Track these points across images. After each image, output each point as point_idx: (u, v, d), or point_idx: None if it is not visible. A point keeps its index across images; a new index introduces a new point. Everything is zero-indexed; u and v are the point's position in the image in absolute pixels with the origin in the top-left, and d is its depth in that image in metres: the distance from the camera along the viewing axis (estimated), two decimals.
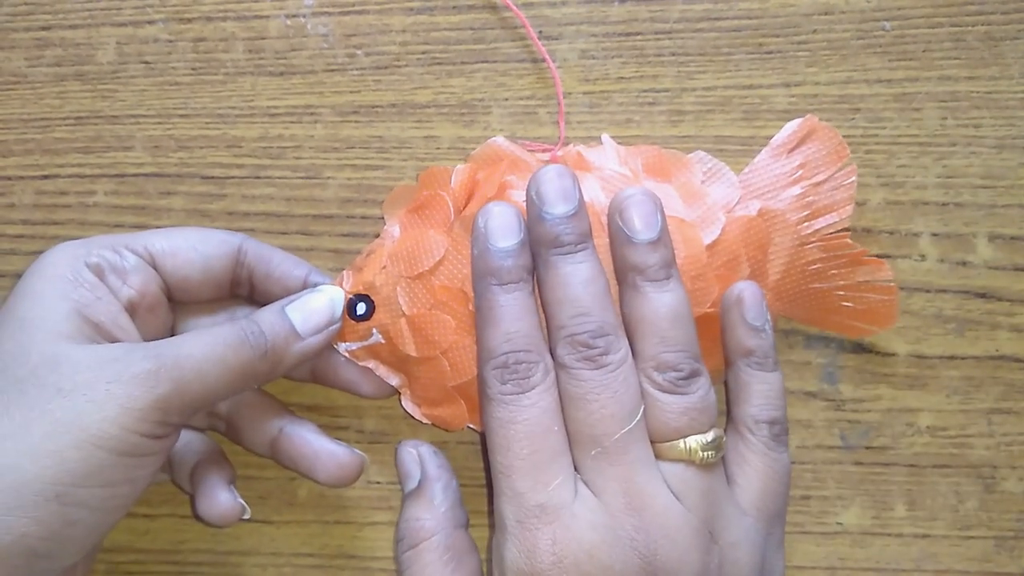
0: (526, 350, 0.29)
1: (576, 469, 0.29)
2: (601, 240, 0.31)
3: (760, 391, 0.31)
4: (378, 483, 0.35)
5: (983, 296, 0.34)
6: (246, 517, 0.32)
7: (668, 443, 0.29)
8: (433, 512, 0.31)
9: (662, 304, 0.29)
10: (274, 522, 0.35)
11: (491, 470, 0.29)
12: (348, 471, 0.32)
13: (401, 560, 0.31)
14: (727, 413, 0.32)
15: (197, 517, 0.32)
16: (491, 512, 0.34)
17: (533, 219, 0.30)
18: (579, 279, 0.29)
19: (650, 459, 0.29)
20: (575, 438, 0.29)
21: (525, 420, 0.28)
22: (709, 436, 0.29)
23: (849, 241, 0.32)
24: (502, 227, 0.30)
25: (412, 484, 0.32)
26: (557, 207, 0.30)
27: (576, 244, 0.30)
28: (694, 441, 0.29)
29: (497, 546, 0.29)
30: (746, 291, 0.31)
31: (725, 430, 0.32)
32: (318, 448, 0.32)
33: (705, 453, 0.29)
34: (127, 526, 0.35)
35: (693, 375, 0.29)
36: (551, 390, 0.29)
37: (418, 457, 0.33)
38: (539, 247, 0.30)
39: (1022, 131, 0.34)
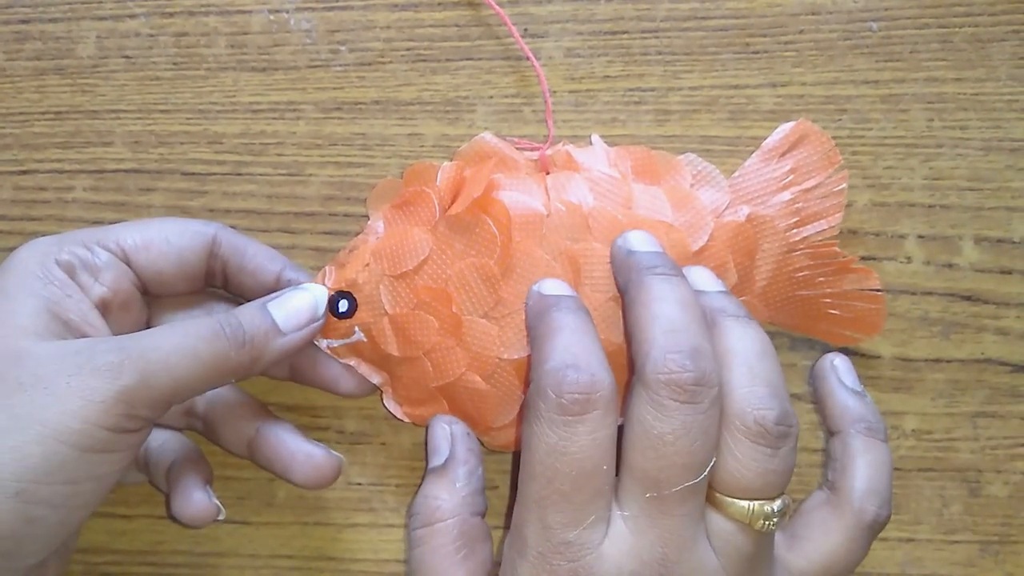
0: (596, 366, 0.26)
1: (618, 495, 0.27)
2: (590, 245, 0.31)
3: (871, 463, 0.30)
4: (359, 484, 0.34)
5: (969, 299, 0.34)
6: (221, 518, 0.31)
7: (731, 498, 0.27)
8: (453, 494, 0.30)
9: (749, 337, 0.28)
10: (253, 523, 0.34)
11: (520, 488, 0.27)
12: (324, 472, 0.31)
13: (412, 536, 0.30)
14: (823, 475, 0.32)
15: (172, 517, 0.31)
16: (509, 512, 0.33)
17: (622, 257, 0.30)
18: (677, 297, 0.27)
19: (701, 512, 0.27)
20: (633, 471, 0.26)
21: (576, 453, 0.26)
22: (777, 504, 0.27)
23: (837, 249, 0.32)
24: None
25: (437, 461, 0.31)
26: (648, 247, 0.30)
27: (671, 271, 0.28)
28: (760, 507, 0.26)
29: (511, 563, 0.27)
30: (837, 359, 0.32)
31: (820, 485, 0.31)
32: (294, 449, 0.31)
33: (767, 522, 0.27)
34: (104, 527, 0.34)
35: (787, 432, 0.27)
36: (612, 416, 0.26)
37: (450, 435, 0.31)
38: (630, 273, 0.29)
39: (1009, 133, 0.34)
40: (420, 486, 0.31)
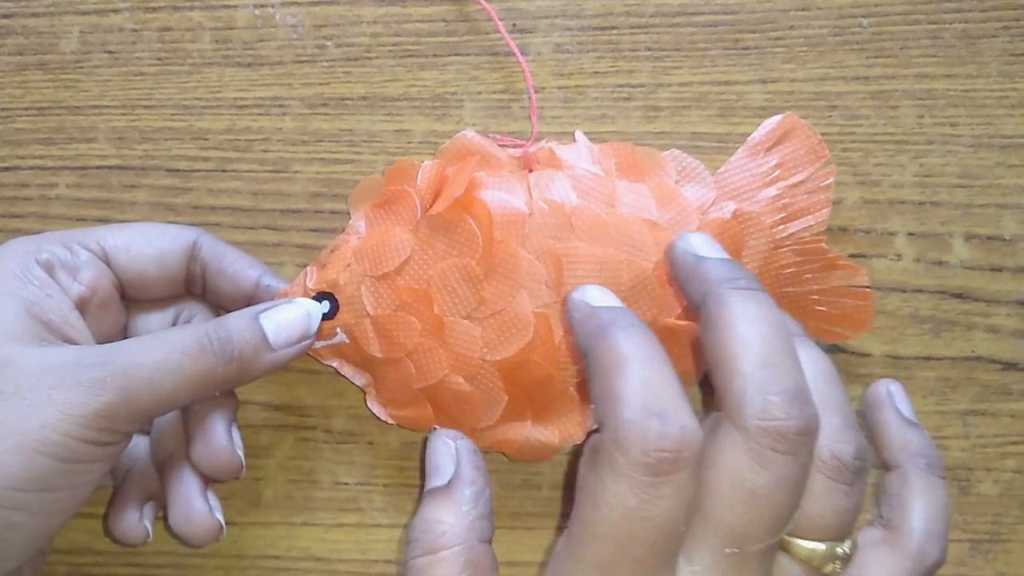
0: (684, 414, 0.23)
1: (687, 547, 0.24)
2: (573, 244, 0.30)
3: (932, 503, 0.28)
4: (346, 484, 0.34)
5: (959, 296, 0.34)
6: (149, 541, 0.31)
7: (802, 540, 0.25)
8: (459, 519, 0.27)
9: (814, 359, 0.25)
10: (238, 523, 0.34)
11: (573, 542, 0.24)
12: (200, 530, 0.30)
13: (411, 565, 0.27)
14: (875, 507, 0.30)
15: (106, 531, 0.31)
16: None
17: (690, 264, 0.27)
18: (766, 319, 0.24)
19: (773, 564, 0.25)
20: (714, 525, 0.24)
21: (658, 517, 0.23)
22: (847, 546, 0.25)
23: (824, 246, 0.32)
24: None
25: (439, 481, 0.28)
26: (717, 252, 0.28)
27: (753, 285, 0.26)
28: (830, 548, 0.25)
29: None
30: (892, 385, 0.30)
31: (872, 521, 0.29)
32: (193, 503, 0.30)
33: (834, 564, 0.25)
34: (87, 527, 0.34)
35: (863, 467, 0.25)
36: (696, 471, 0.23)
37: (455, 451, 0.28)
38: (706, 285, 0.26)
39: (999, 130, 0.34)
40: (418, 509, 0.28)
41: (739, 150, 0.32)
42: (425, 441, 0.34)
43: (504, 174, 0.31)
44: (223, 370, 0.28)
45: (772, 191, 0.32)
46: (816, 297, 0.32)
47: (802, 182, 0.32)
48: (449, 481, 0.28)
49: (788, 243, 0.32)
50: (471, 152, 0.32)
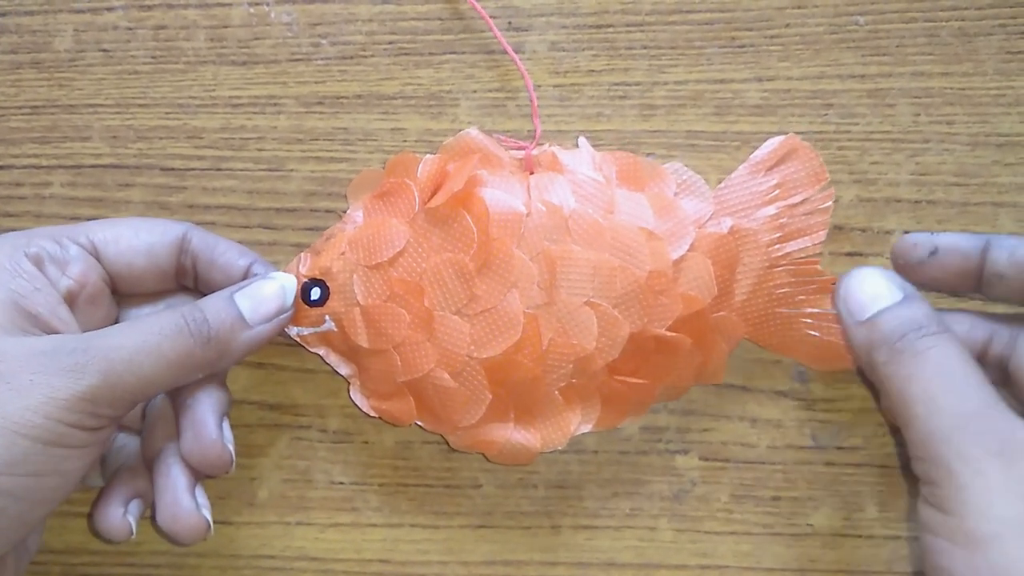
0: None
1: None
2: (568, 247, 0.30)
3: None
4: (341, 484, 0.34)
5: (956, 295, 0.34)
6: (132, 538, 0.30)
7: None
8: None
9: None
10: (234, 523, 0.34)
11: None
12: (187, 528, 0.30)
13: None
14: None
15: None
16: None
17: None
18: None
19: None
20: None
21: None
22: None
23: (819, 268, 0.32)
24: None
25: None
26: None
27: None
28: None
29: None
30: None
31: None
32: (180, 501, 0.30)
33: None
34: (82, 527, 0.34)
35: None
36: None
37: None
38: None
39: (995, 128, 0.34)
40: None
41: (740, 167, 0.32)
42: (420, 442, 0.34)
43: (505, 174, 0.31)
44: (202, 351, 0.28)
45: (770, 210, 0.32)
46: (808, 320, 0.32)
47: (801, 203, 0.32)
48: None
49: (783, 263, 0.32)
50: (474, 150, 0.32)
